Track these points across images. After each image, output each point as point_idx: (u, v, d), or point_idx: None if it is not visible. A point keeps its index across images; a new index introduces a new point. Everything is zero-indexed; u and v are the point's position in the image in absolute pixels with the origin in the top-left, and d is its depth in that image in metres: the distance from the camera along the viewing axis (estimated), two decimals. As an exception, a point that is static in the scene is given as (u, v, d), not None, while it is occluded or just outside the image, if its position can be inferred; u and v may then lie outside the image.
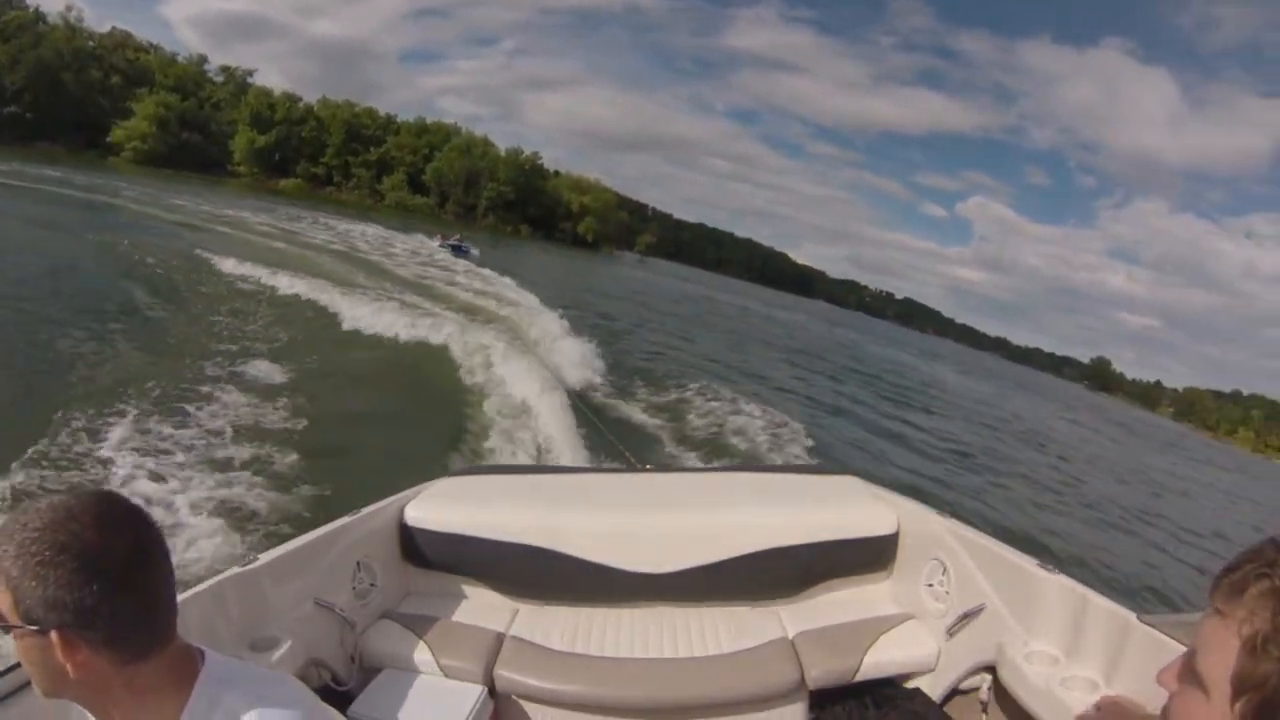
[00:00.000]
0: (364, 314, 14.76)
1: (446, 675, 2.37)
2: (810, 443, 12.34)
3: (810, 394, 21.38)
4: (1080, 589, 2.09)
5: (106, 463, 6.20)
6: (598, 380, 12.79)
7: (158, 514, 5.56)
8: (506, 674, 2.37)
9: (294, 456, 7.11)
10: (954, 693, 2.37)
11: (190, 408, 7.79)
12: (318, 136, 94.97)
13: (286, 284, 17.20)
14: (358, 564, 2.57)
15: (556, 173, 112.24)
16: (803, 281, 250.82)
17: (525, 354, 12.83)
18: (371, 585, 2.62)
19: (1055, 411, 60.18)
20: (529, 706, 2.40)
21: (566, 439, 8.61)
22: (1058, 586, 2.13)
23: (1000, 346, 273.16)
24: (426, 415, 9.72)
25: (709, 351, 22.06)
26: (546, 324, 16.69)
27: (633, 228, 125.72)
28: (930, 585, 2.65)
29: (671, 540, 2.77)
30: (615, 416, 10.83)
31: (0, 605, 0.94)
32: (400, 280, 22.65)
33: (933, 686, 2.44)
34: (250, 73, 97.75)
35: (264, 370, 9.83)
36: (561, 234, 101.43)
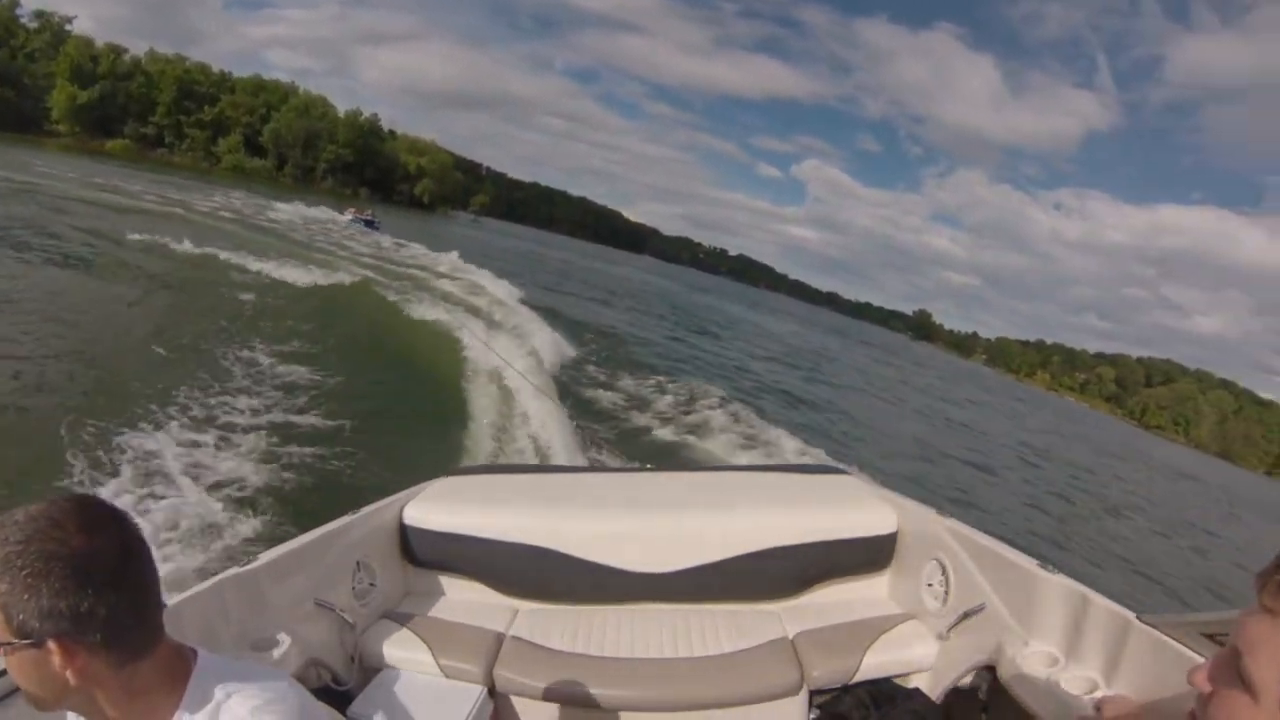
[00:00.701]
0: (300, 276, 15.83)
1: (446, 675, 2.43)
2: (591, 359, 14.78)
3: (610, 324, 23.48)
4: (1080, 589, 2.13)
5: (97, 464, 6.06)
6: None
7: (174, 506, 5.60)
8: (506, 674, 2.43)
9: (290, 449, 7.24)
10: (954, 692, 2.44)
11: (184, 403, 7.75)
12: (147, 94, 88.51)
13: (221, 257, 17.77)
14: (357, 564, 2.62)
15: (394, 134, 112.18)
16: (635, 238, 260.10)
17: (512, 344, 13.44)
18: (371, 585, 2.67)
19: (875, 356, 65.18)
20: (529, 706, 2.45)
21: (566, 438, 8.73)
22: (1057, 586, 2.18)
23: (832, 301, 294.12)
24: (419, 406, 9.85)
25: (530, 297, 22.85)
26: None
27: (468, 188, 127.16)
28: (930, 585, 2.71)
29: (671, 540, 2.84)
30: (616, 416, 11.13)
31: None
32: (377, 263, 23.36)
33: (932, 686, 2.50)
34: (69, 19, 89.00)
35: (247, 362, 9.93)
36: (399, 196, 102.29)
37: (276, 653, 2.05)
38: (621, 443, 9.83)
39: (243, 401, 8.37)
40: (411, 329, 14.10)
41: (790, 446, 12.37)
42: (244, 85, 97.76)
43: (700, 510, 3.03)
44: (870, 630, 2.61)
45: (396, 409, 9.55)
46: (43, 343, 8.94)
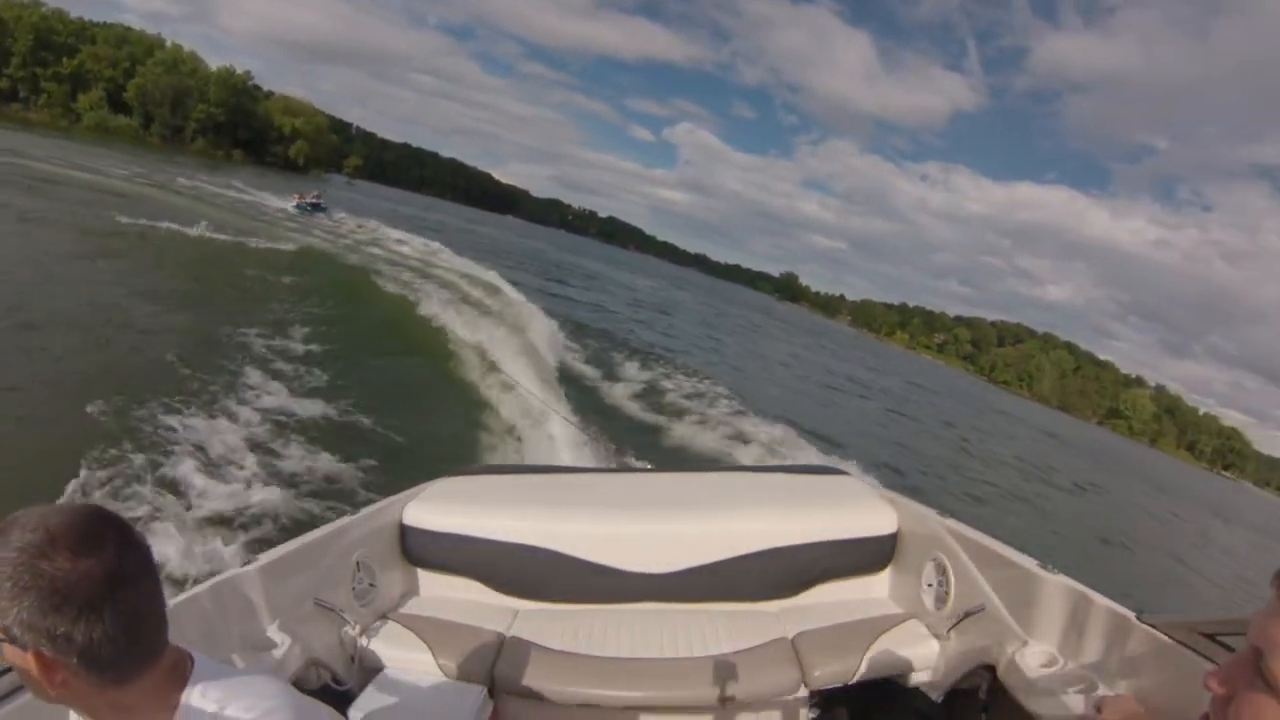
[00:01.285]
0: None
1: (446, 675, 2.50)
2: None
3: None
4: (1080, 589, 2.19)
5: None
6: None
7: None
8: (506, 674, 2.48)
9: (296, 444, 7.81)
10: (954, 692, 2.51)
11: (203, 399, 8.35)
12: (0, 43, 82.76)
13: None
14: (357, 564, 2.68)
15: (269, 94, 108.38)
16: (505, 200, 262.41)
17: (517, 341, 14.17)
18: (371, 585, 2.73)
19: (716, 306, 69.55)
20: (529, 706, 2.50)
21: (567, 438, 9.10)
22: (1057, 586, 2.23)
23: (700, 262, 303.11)
24: (418, 399, 10.52)
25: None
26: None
27: (341, 150, 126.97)
28: (930, 585, 2.78)
29: (671, 540, 2.92)
30: (616, 415, 11.61)
31: None
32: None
33: (932, 686, 2.59)
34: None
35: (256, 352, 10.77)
36: (272, 158, 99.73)
37: (276, 653, 2.11)
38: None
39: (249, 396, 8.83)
40: (405, 318, 15.19)
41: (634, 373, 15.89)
42: (106, 36, 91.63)
43: (700, 511, 3.12)
44: (870, 630, 2.67)
45: (397, 401, 10.05)
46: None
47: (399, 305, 16.39)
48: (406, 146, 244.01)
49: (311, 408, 9.17)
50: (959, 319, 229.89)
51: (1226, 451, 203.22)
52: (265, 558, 2.31)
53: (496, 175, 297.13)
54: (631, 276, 71.02)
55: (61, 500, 3.92)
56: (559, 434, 9.30)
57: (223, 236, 20.73)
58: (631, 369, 17.88)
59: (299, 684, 2.16)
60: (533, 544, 2.88)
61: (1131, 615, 1.97)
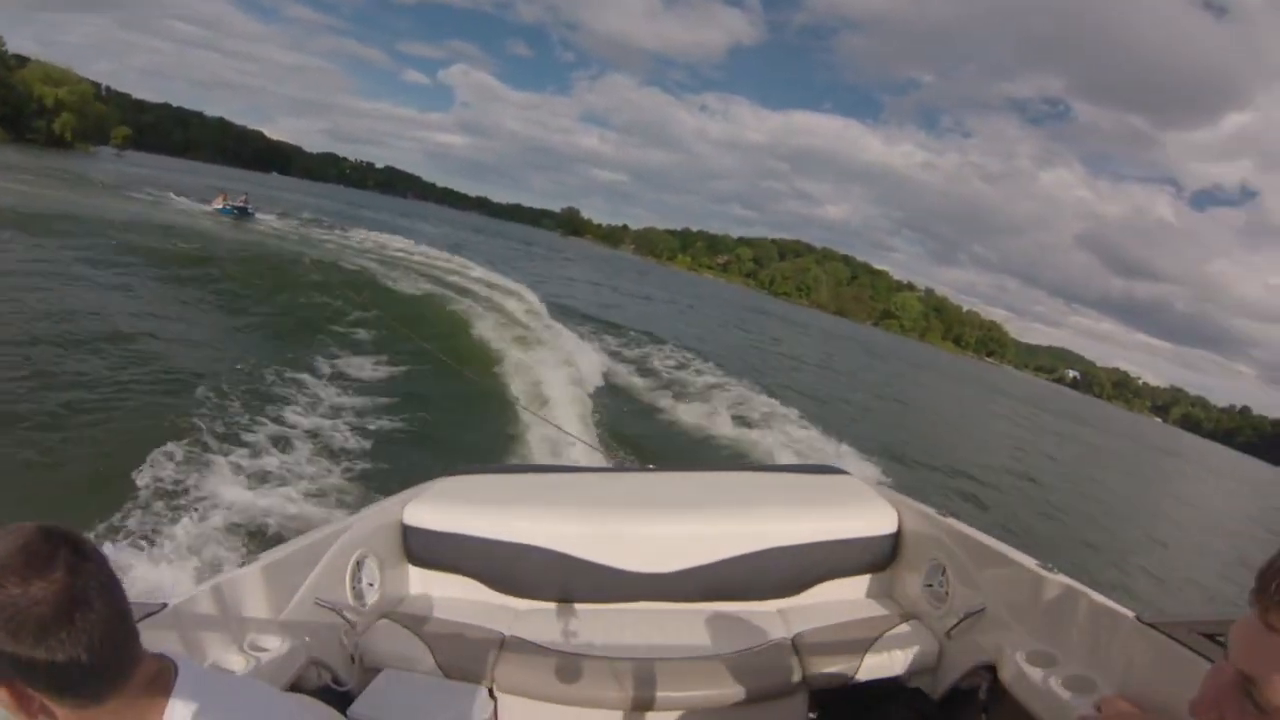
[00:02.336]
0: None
1: (447, 675, 2.57)
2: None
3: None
4: (1080, 589, 2.25)
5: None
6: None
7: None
8: (506, 674, 2.56)
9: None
10: (954, 693, 2.58)
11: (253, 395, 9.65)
12: None
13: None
14: (357, 564, 2.75)
15: (25, 60, 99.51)
16: (280, 158, 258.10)
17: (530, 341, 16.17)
18: (371, 585, 2.80)
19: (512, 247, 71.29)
20: (529, 706, 2.57)
21: (568, 437, 9.16)
22: (1057, 586, 2.31)
23: (482, 205, 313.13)
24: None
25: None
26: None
27: (108, 119, 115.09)
28: (930, 585, 2.87)
29: (671, 540, 3.01)
30: (617, 415, 12.02)
31: None
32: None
33: (932, 686, 2.68)
34: None
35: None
36: (34, 134, 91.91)
37: (277, 653, 2.15)
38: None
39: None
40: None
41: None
42: None
43: (701, 510, 3.23)
44: (870, 630, 2.77)
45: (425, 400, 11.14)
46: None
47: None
48: (167, 107, 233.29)
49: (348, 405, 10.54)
50: (741, 240, 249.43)
51: (988, 341, 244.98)
52: (265, 558, 2.39)
53: (267, 132, 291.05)
54: (412, 224, 71.16)
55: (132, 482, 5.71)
56: (549, 428, 9.62)
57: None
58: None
59: (299, 684, 2.26)
60: (533, 544, 2.97)
61: (1131, 615, 2.04)
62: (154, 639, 1.53)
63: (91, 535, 4.72)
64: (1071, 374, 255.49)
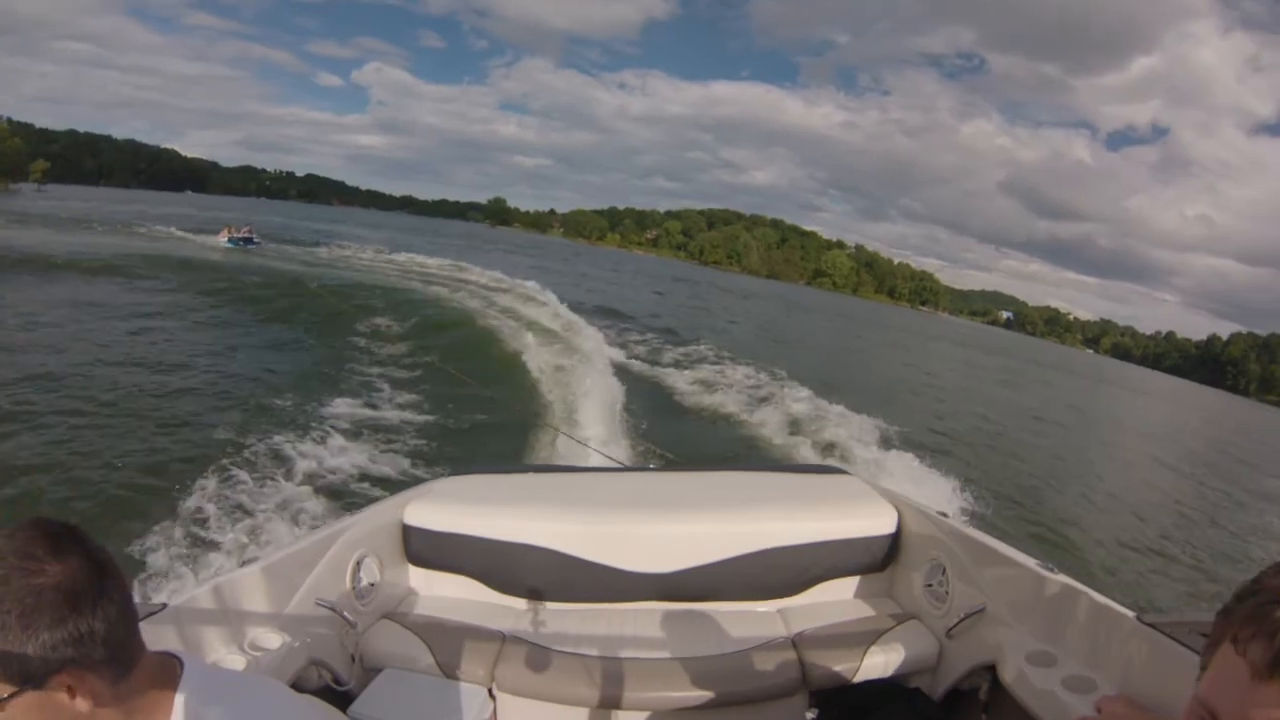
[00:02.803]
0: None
1: (447, 675, 2.56)
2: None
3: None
4: (1080, 589, 2.24)
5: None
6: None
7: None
8: (507, 673, 2.55)
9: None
10: (954, 693, 2.58)
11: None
12: None
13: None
14: (358, 564, 2.74)
15: None
16: (197, 176, 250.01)
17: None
18: (372, 585, 2.79)
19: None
20: (529, 706, 2.56)
21: (568, 437, 9.60)
22: (1058, 586, 2.30)
23: (408, 204, 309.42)
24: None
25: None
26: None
27: (21, 152, 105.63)
28: (930, 585, 2.87)
29: (672, 540, 3.00)
30: (617, 415, 11.90)
31: None
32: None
33: (932, 686, 2.67)
34: None
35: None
36: None
37: (277, 653, 2.16)
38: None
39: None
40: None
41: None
42: None
43: (701, 510, 3.21)
44: (871, 630, 2.76)
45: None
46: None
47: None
48: (73, 134, 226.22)
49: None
50: (669, 213, 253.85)
51: (921, 291, 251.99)
52: (266, 558, 2.39)
53: (181, 150, 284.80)
54: (349, 229, 72.07)
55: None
56: (554, 431, 10.13)
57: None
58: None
59: (299, 684, 2.26)
60: (533, 544, 2.96)
61: (1131, 615, 2.03)
62: (154, 639, 1.60)
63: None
64: (1005, 315, 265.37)
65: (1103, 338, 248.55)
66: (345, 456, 8.91)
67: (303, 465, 8.40)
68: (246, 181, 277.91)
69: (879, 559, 3.13)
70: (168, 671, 1.11)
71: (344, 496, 7.71)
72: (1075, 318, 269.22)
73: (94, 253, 25.80)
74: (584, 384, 13.51)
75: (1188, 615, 1.97)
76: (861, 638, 2.73)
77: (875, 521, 3.12)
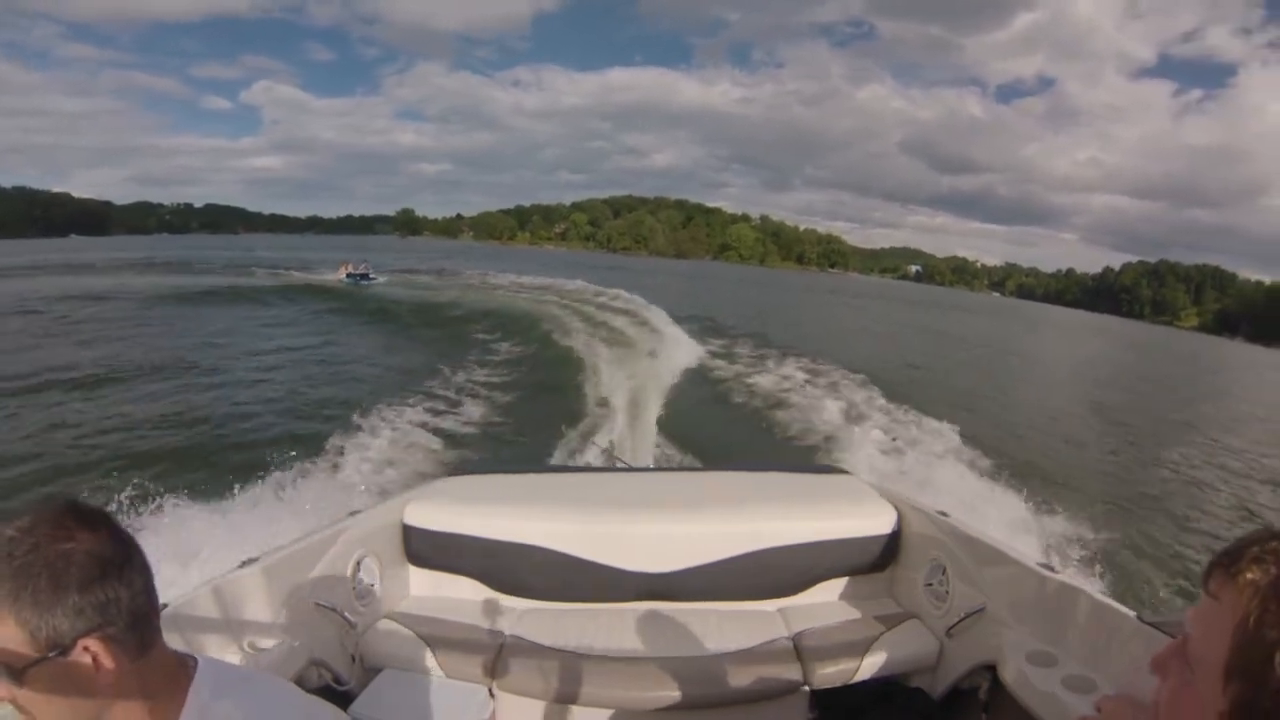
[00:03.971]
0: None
1: (447, 675, 2.57)
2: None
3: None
4: (1080, 589, 2.25)
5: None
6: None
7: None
8: (507, 673, 2.55)
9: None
10: (954, 692, 2.59)
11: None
12: None
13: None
14: (358, 564, 2.75)
15: None
16: (94, 219, 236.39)
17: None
18: (372, 585, 2.79)
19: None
20: (529, 706, 2.56)
21: (571, 435, 9.86)
22: (1058, 586, 2.31)
23: (314, 225, 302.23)
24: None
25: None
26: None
27: None
28: (930, 585, 2.86)
29: (672, 540, 3.00)
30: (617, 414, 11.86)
31: (12, 647, 0.97)
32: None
33: (933, 686, 2.68)
34: None
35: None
36: None
37: (278, 653, 2.16)
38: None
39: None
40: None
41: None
42: None
43: (701, 510, 3.22)
44: (871, 630, 2.76)
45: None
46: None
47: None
48: None
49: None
50: (575, 205, 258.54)
51: (829, 253, 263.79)
52: (267, 558, 2.39)
53: (74, 192, 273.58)
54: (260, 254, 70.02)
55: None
56: (559, 430, 10.36)
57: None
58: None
59: (299, 684, 2.13)
60: (533, 544, 2.97)
61: (1131, 615, 2.04)
62: None
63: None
64: (914, 269, 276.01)
65: (1007, 280, 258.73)
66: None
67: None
68: (145, 218, 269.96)
69: (879, 559, 3.12)
70: (182, 665, 1.13)
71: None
72: (983, 264, 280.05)
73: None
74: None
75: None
76: (862, 637, 2.74)
77: (875, 521, 3.11)
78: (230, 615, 2.17)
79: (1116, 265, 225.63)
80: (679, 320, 23.60)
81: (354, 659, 2.59)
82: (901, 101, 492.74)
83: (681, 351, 18.34)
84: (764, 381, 16.06)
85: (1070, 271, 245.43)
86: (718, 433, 12.12)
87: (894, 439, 11.33)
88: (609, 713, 2.55)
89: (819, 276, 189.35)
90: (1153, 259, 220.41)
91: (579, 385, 13.84)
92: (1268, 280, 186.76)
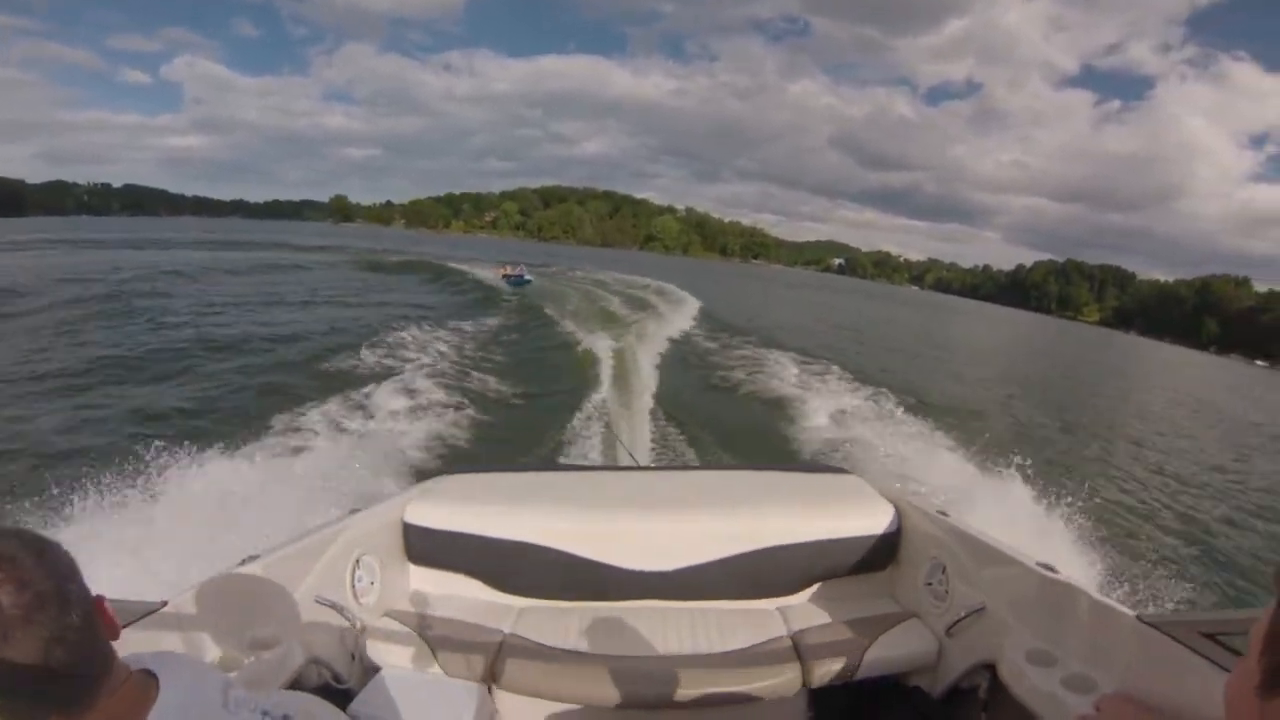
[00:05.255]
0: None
1: (447, 673, 2.57)
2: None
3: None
4: (1080, 588, 2.24)
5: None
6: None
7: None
8: (506, 672, 2.55)
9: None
10: (954, 691, 2.59)
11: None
12: None
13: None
14: (358, 562, 2.74)
15: None
16: (10, 199, 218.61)
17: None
18: (372, 584, 2.79)
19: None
20: (529, 705, 2.56)
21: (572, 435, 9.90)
22: (1057, 586, 2.31)
23: (239, 208, 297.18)
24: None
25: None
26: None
27: None
28: (930, 584, 2.86)
29: (672, 539, 3.01)
30: (617, 415, 12.05)
31: None
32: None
33: (932, 685, 2.68)
34: None
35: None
36: None
37: (277, 652, 2.16)
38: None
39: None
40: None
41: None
42: None
43: (701, 509, 3.22)
44: (871, 629, 2.76)
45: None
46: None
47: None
48: None
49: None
50: (504, 194, 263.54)
51: (752, 245, 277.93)
52: (266, 556, 2.37)
53: None
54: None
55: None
56: (562, 429, 10.56)
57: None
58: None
59: (299, 683, 2.27)
60: (533, 543, 2.96)
61: (1131, 615, 2.02)
62: (153, 637, 1.72)
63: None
64: (837, 262, 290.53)
65: (927, 274, 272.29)
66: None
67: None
68: (61, 198, 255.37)
69: (879, 558, 3.12)
70: (140, 699, 1.01)
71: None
72: (906, 259, 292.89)
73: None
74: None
75: (1188, 615, 2.06)
76: (862, 636, 2.74)
77: (875, 520, 3.12)
78: (230, 613, 2.16)
79: (1033, 263, 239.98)
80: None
81: (353, 658, 2.59)
82: (833, 98, 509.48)
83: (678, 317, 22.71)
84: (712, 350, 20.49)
85: (987, 268, 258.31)
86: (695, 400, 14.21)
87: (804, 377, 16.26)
88: (609, 712, 2.54)
89: (741, 266, 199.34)
90: (1070, 258, 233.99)
91: (578, 383, 14.36)
92: (1172, 279, 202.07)
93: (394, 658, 2.61)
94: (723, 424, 12.02)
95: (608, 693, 2.50)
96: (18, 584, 0.89)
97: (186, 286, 25.62)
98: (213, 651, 2.08)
